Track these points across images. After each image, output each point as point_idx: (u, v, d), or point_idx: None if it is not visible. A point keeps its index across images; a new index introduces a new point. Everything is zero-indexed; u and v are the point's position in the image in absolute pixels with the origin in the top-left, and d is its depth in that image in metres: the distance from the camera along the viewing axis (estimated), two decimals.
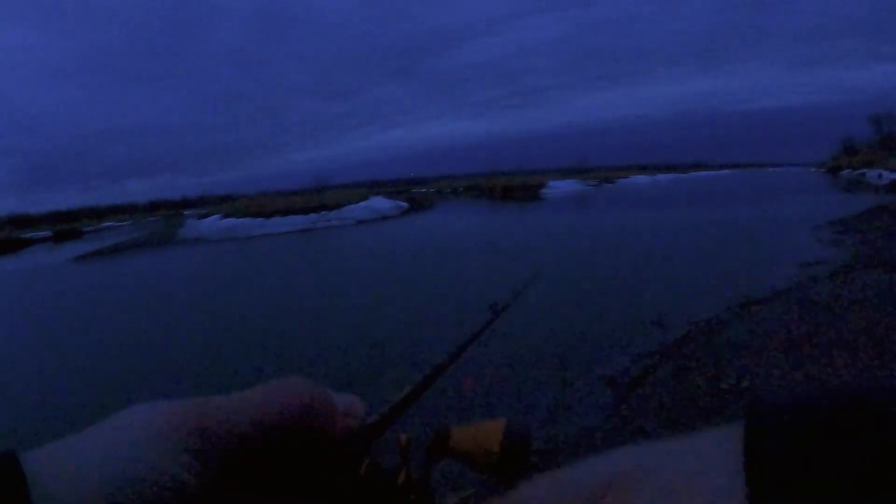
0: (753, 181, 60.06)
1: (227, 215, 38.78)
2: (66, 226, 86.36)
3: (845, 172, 53.97)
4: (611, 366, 6.34)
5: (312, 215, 35.21)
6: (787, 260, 11.26)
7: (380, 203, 41.70)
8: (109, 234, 56.94)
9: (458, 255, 16.96)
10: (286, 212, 36.14)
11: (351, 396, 0.41)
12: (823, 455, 0.22)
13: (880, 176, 37.37)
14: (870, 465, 0.21)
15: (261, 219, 35.19)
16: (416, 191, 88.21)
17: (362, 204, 39.66)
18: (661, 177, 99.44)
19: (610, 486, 0.29)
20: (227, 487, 0.33)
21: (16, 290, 21.24)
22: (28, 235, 65.43)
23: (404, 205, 44.27)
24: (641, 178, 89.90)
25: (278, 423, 0.35)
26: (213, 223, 37.50)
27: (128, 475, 0.29)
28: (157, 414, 0.32)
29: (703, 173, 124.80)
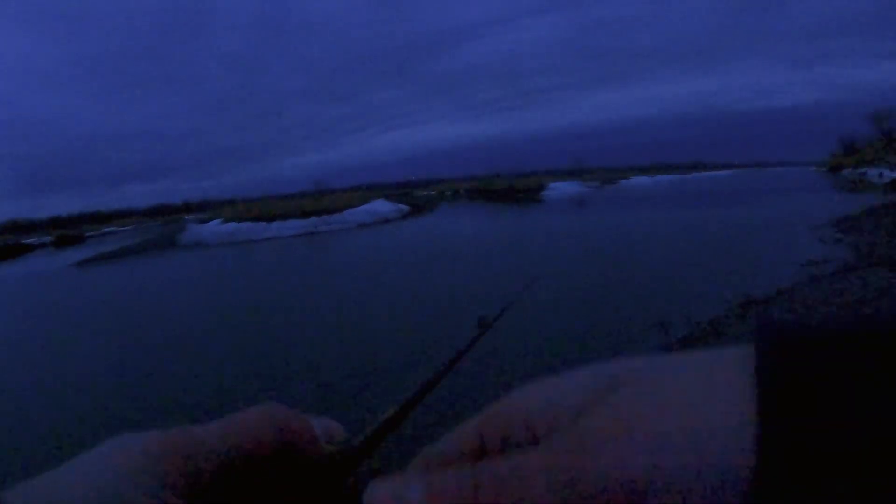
0: (754, 181, 59.95)
1: (228, 220, 38.76)
2: (67, 231, 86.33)
3: (846, 171, 53.85)
4: None
5: (314, 219, 35.18)
6: (790, 259, 11.21)
7: (381, 206, 41.66)
8: (111, 240, 56.89)
9: (461, 259, 16.91)
10: (287, 216, 36.17)
11: (329, 421, 0.40)
12: (841, 368, 0.21)
13: (881, 175, 37.25)
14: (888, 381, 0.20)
15: (262, 223, 35.14)
16: (416, 193, 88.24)
17: (364, 207, 39.63)
18: (661, 178, 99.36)
19: (609, 388, 0.29)
20: None
21: (15, 296, 21.21)
22: (29, 241, 65.48)
23: (406, 208, 44.21)
24: (642, 179, 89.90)
25: (256, 452, 0.35)
26: (214, 228, 37.49)
27: None
28: (134, 447, 0.32)
29: (704, 174, 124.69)
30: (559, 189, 62.41)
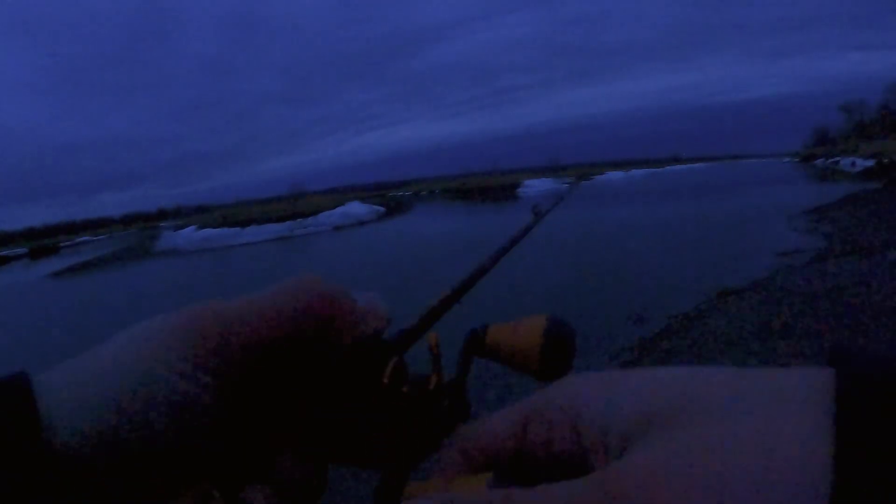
0: (728, 173, 60.40)
1: (203, 226, 38.40)
2: (41, 242, 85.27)
3: (819, 161, 54.51)
4: (587, 364, 6.23)
5: (289, 223, 34.86)
6: (764, 249, 11.24)
7: (356, 208, 41.41)
8: (86, 249, 56.25)
9: (435, 260, 16.82)
10: (262, 220, 35.87)
11: (373, 295, 0.38)
12: None
13: (853, 164, 37.71)
14: None
15: (237, 228, 34.79)
16: (392, 194, 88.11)
17: (339, 210, 39.36)
18: (636, 172, 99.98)
19: (670, 411, 0.24)
20: (243, 396, 0.32)
21: None
22: (3, 253, 64.57)
23: (381, 209, 43.99)
24: (617, 175, 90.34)
25: (294, 325, 0.32)
26: (189, 234, 37.05)
27: (138, 395, 0.27)
28: (163, 325, 0.31)
29: (679, 167, 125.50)
30: (535, 187, 62.48)
